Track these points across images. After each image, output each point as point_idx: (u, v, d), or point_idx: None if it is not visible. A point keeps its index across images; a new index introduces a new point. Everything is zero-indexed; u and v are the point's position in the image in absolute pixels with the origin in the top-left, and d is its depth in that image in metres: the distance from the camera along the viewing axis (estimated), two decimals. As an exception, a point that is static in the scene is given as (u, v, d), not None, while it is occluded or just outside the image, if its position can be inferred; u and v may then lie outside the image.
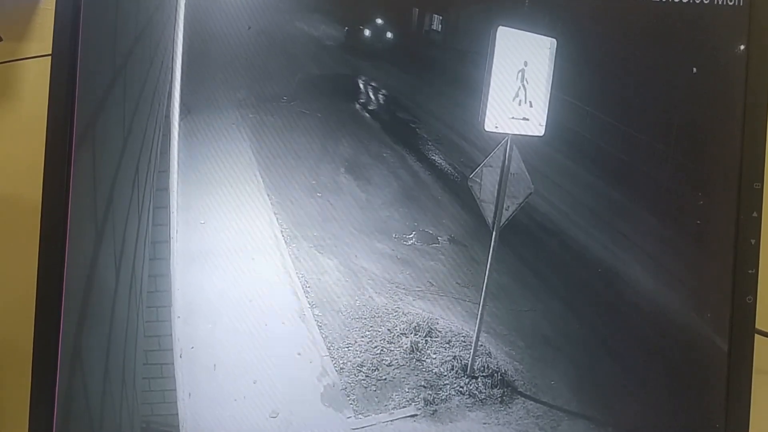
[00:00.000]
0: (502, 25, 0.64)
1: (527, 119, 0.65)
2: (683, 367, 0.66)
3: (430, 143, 0.68)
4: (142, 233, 0.64)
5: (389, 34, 0.66)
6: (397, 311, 0.66)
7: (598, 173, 0.66)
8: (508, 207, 0.66)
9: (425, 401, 0.65)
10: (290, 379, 0.64)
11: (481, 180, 0.66)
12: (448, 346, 0.67)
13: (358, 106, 0.67)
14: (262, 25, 0.65)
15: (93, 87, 0.62)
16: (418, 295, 0.67)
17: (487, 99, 0.64)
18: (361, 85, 0.67)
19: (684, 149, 0.66)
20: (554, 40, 0.64)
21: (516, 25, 0.64)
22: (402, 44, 0.67)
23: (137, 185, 0.64)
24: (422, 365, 0.66)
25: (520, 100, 0.65)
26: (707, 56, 0.65)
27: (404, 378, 0.66)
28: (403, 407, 0.65)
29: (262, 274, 0.65)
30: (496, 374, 0.66)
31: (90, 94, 0.62)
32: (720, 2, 0.64)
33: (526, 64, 0.64)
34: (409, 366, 0.66)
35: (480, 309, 0.66)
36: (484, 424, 0.65)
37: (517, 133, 0.65)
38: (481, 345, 0.67)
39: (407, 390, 0.65)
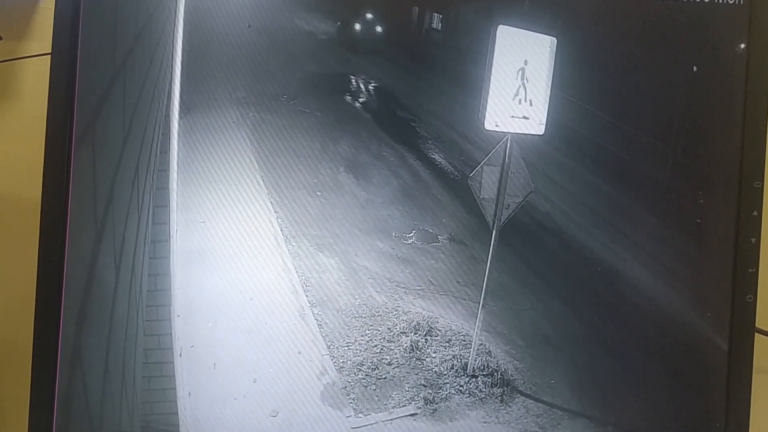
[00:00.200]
0: (503, 24, 0.64)
1: (527, 118, 0.65)
2: (683, 366, 0.66)
3: (430, 142, 0.68)
4: (141, 232, 0.64)
5: (389, 33, 0.66)
6: (397, 310, 0.66)
7: (599, 172, 0.66)
8: (509, 206, 0.66)
9: (425, 400, 0.65)
10: (290, 377, 0.64)
11: (481, 179, 0.66)
12: (448, 345, 0.67)
13: (358, 104, 0.67)
14: (261, 24, 0.64)
15: (93, 86, 0.62)
16: (418, 294, 0.67)
17: (487, 97, 0.64)
18: (361, 84, 0.67)
19: (684, 148, 0.66)
20: (554, 39, 0.64)
21: (516, 24, 0.64)
22: (402, 43, 0.67)
23: (137, 184, 0.64)
24: (422, 364, 0.66)
25: (520, 99, 0.65)
26: (708, 55, 0.65)
27: (404, 377, 0.66)
28: (403, 406, 0.65)
29: (262, 272, 0.65)
30: (496, 373, 0.66)
31: (90, 93, 0.62)
32: (720, 1, 0.64)
33: (526, 62, 0.64)
34: (409, 365, 0.66)
35: (480, 308, 0.66)
36: (484, 423, 0.65)
37: (518, 131, 0.65)
38: (481, 344, 0.66)
39: (407, 389, 0.65)
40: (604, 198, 0.66)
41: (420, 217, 0.67)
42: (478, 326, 0.66)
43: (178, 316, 0.64)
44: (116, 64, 0.63)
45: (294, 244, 0.66)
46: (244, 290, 0.65)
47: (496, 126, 0.65)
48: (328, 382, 0.65)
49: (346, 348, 0.65)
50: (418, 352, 0.66)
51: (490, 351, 0.67)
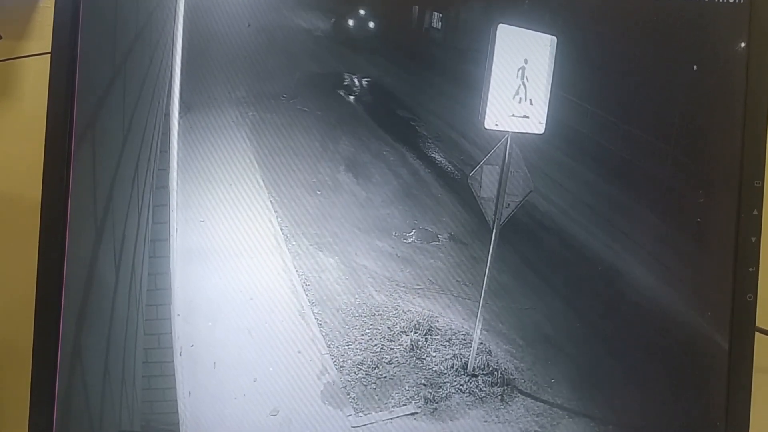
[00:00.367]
0: (503, 23, 0.64)
1: (527, 117, 0.65)
2: (683, 365, 0.66)
3: (430, 141, 0.67)
4: (141, 231, 0.64)
5: (389, 32, 0.66)
6: (397, 309, 0.66)
7: (599, 171, 0.66)
8: (509, 205, 0.66)
9: (425, 399, 0.65)
10: (290, 377, 0.64)
11: (481, 178, 0.66)
12: (448, 344, 0.66)
13: (358, 104, 0.67)
14: (261, 23, 0.64)
15: (93, 85, 0.62)
16: (418, 293, 0.67)
17: (487, 97, 0.64)
18: (361, 83, 0.67)
19: (684, 147, 0.66)
20: (554, 38, 0.64)
21: (516, 23, 0.64)
22: (402, 42, 0.66)
23: (137, 183, 0.64)
24: (422, 363, 0.66)
25: (520, 98, 0.65)
26: (708, 54, 0.65)
27: (404, 376, 0.66)
28: (403, 405, 0.65)
29: (261, 272, 0.65)
30: (496, 372, 0.66)
31: (90, 93, 0.62)
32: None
33: (526, 61, 0.64)
34: (409, 364, 0.66)
35: (480, 307, 0.66)
36: (485, 422, 0.65)
37: (518, 130, 0.65)
38: (481, 343, 0.66)
39: (407, 388, 0.65)
40: (604, 197, 0.66)
41: (420, 216, 0.67)
42: (478, 325, 0.66)
43: (178, 315, 0.64)
44: (116, 63, 0.63)
45: (294, 243, 0.66)
46: (244, 289, 0.65)
47: (496, 125, 0.65)
48: (328, 382, 0.65)
49: (346, 347, 0.65)
50: (418, 352, 0.66)
51: (490, 350, 0.67)
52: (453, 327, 0.67)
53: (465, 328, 0.67)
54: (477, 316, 0.67)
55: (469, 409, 0.65)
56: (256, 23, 0.64)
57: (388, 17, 0.66)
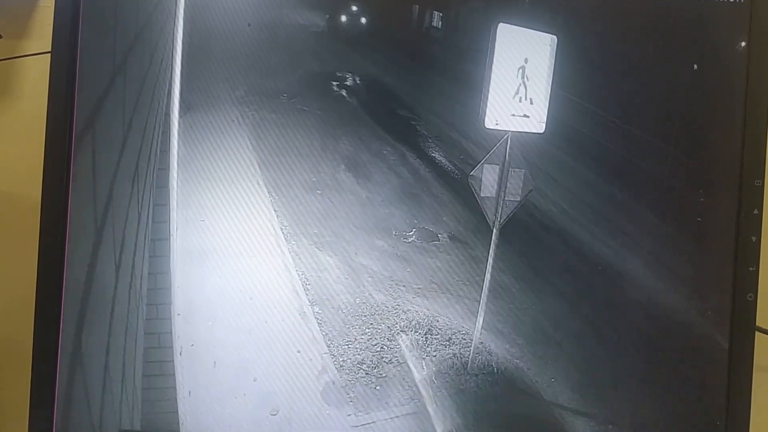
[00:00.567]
0: (503, 22, 0.64)
1: (528, 116, 0.65)
2: (684, 365, 0.66)
3: (430, 140, 0.67)
4: (141, 230, 0.64)
5: (389, 31, 0.66)
6: (397, 309, 0.66)
7: (599, 170, 0.66)
8: (509, 204, 0.66)
9: (425, 399, 0.65)
10: (290, 376, 0.64)
11: (481, 177, 0.66)
12: (448, 343, 0.66)
13: (358, 103, 0.67)
14: (262, 22, 0.64)
15: (93, 84, 0.62)
16: (418, 293, 0.67)
17: (487, 96, 0.64)
18: (361, 82, 0.67)
19: (685, 146, 0.66)
20: (555, 37, 0.64)
21: (516, 22, 0.64)
22: (402, 41, 0.66)
23: (137, 183, 0.64)
24: (422, 363, 0.66)
25: (520, 97, 0.65)
26: (708, 53, 0.65)
27: (404, 376, 0.66)
28: (403, 405, 0.65)
29: (262, 271, 0.65)
30: (496, 372, 0.66)
31: (90, 92, 0.62)
32: (721, -1, 0.64)
33: (526, 61, 0.64)
34: (409, 363, 0.66)
35: (480, 306, 0.66)
36: (485, 421, 0.65)
37: (518, 130, 0.65)
38: (481, 343, 0.66)
39: (407, 387, 0.65)
40: (605, 196, 0.66)
41: (420, 216, 0.67)
42: (478, 325, 0.66)
43: (178, 314, 0.64)
44: (116, 63, 0.63)
45: (294, 242, 0.66)
46: (244, 289, 0.65)
47: (497, 124, 0.65)
48: (328, 381, 0.65)
49: (346, 347, 0.65)
50: (418, 351, 0.66)
51: (490, 350, 0.66)
52: (453, 326, 0.67)
53: (465, 327, 0.67)
54: (477, 316, 0.66)
55: (468, 408, 0.65)
56: (256, 22, 0.64)
57: (388, 16, 0.66)
